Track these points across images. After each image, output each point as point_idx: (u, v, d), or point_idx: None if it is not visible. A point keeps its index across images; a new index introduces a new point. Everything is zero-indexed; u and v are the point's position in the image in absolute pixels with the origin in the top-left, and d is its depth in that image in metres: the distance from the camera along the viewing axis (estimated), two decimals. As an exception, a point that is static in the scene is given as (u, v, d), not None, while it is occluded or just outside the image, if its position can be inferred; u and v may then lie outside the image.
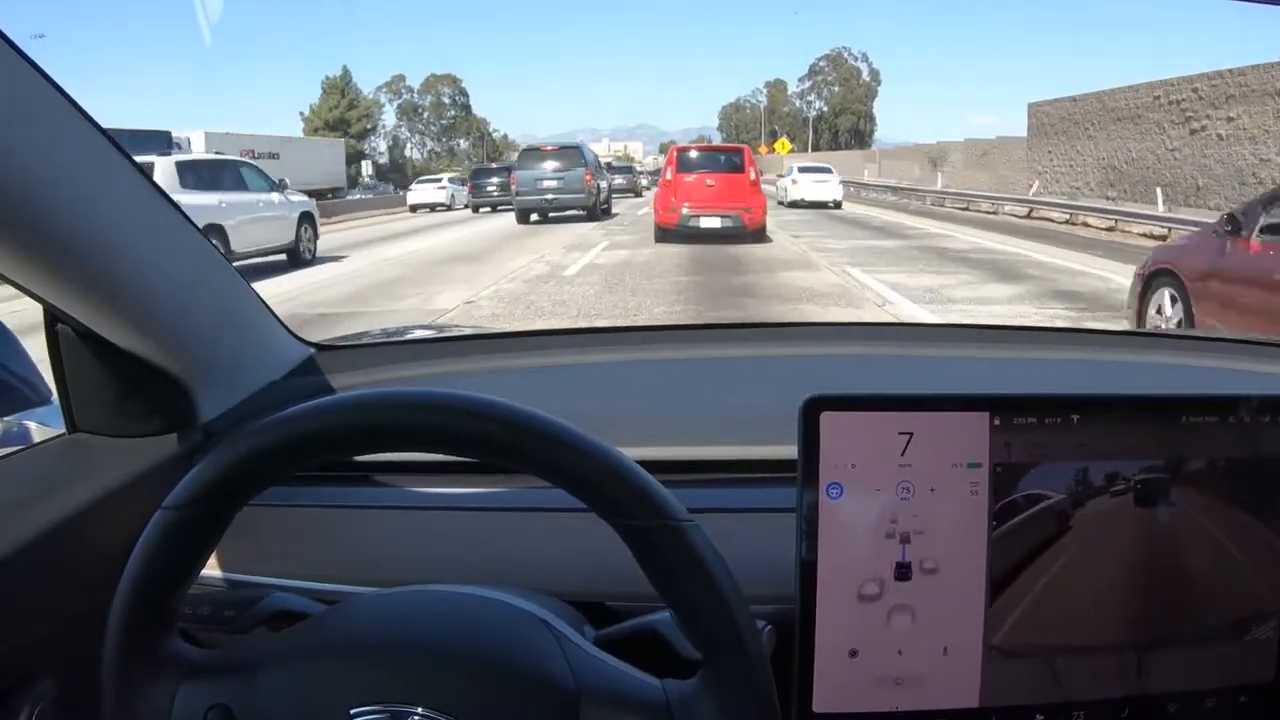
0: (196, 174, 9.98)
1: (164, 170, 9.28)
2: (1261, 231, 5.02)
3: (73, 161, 0.69)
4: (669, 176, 12.94)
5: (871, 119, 68.13)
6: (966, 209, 21.78)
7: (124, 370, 0.82)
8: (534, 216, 16.80)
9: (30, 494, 0.75)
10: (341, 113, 48.54)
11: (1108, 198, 20.58)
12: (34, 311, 0.80)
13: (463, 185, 23.86)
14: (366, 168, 43.68)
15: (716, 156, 13.69)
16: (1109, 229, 15.82)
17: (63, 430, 0.87)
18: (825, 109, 69.02)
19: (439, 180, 24.95)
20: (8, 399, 1.13)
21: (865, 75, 68.56)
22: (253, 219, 10.52)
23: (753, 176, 12.93)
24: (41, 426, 1.09)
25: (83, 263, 0.71)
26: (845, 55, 68.81)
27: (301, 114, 49.57)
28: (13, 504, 0.73)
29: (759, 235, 12.69)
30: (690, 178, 12.62)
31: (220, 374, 0.92)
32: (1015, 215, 19.48)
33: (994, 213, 20.36)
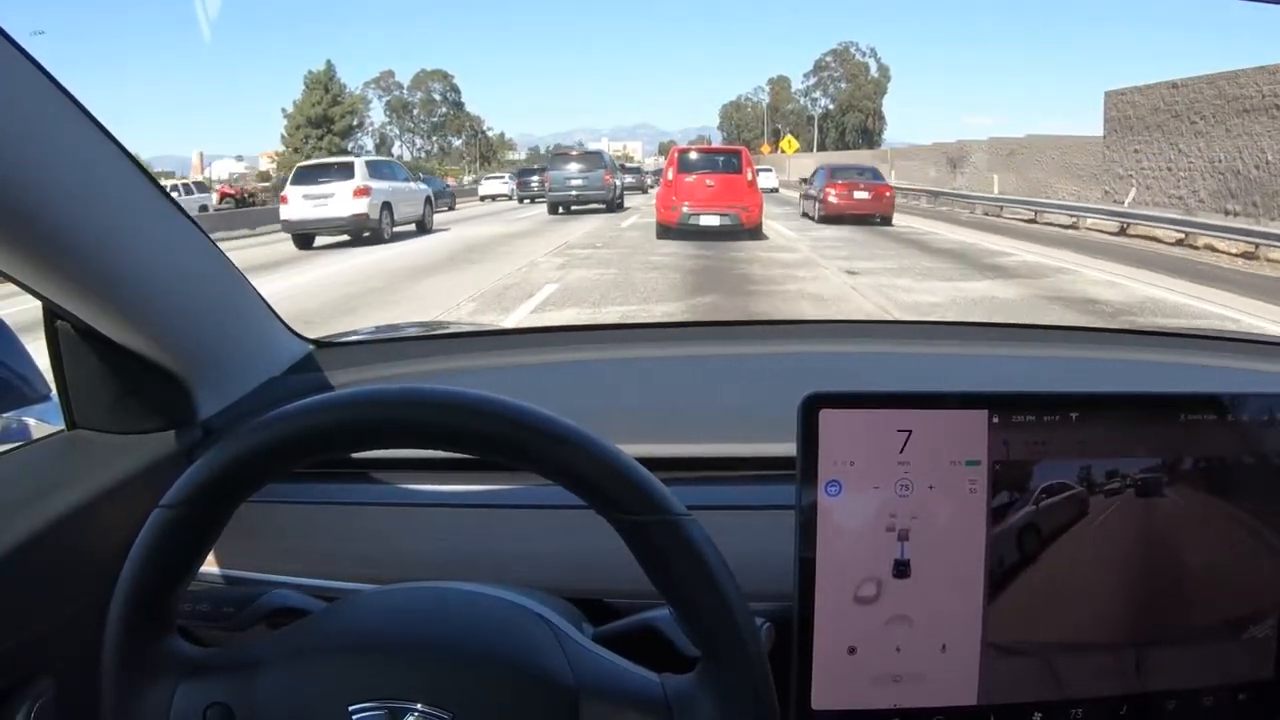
0: (375, 168, 14.10)
1: (360, 166, 13.57)
2: (809, 180, 18.10)
3: (72, 158, 0.69)
4: (670, 177, 13.45)
5: (881, 117, 64.67)
6: (1033, 220, 17.46)
7: (123, 367, 0.82)
8: (560, 209, 19.12)
9: (29, 491, 0.75)
10: (324, 109, 46.67)
11: (1226, 211, 15.96)
12: (33, 309, 0.80)
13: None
14: None
15: (715, 158, 14.20)
16: (1245, 255, 11.83)
17: (61, 427, 0.87)
18: (831, 106, 65.75)
19: (502, 177, 32.96)
20: (6, 395, 1.13)
21: (874, 71, 65.83)
22: (404, 199, 14.42)
23: (750, 177, 13.41)
24: (40, 423, 1.09)
25: (82, 259, 0.71)
26: (852, 50, 66.16)
27: (284, 110, 47.98)
28: (11, 501, 0.73)
29: (756, 232, 13.07)
30: (690, 178, 13.12)
31: (219, 371, 0.92)
32: (1104, 231, 15.38)
33: (1073, 226, 16.25)
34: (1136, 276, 10.13)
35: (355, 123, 49.76)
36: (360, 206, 12.72)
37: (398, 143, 57.93)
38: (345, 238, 13.12)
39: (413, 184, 15.59)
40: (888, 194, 16.56)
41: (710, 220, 12.64)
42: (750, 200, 13.07)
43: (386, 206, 13.35)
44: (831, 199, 16.10)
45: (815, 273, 9.83)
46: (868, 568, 0.65)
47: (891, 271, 10.09)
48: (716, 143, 61.42)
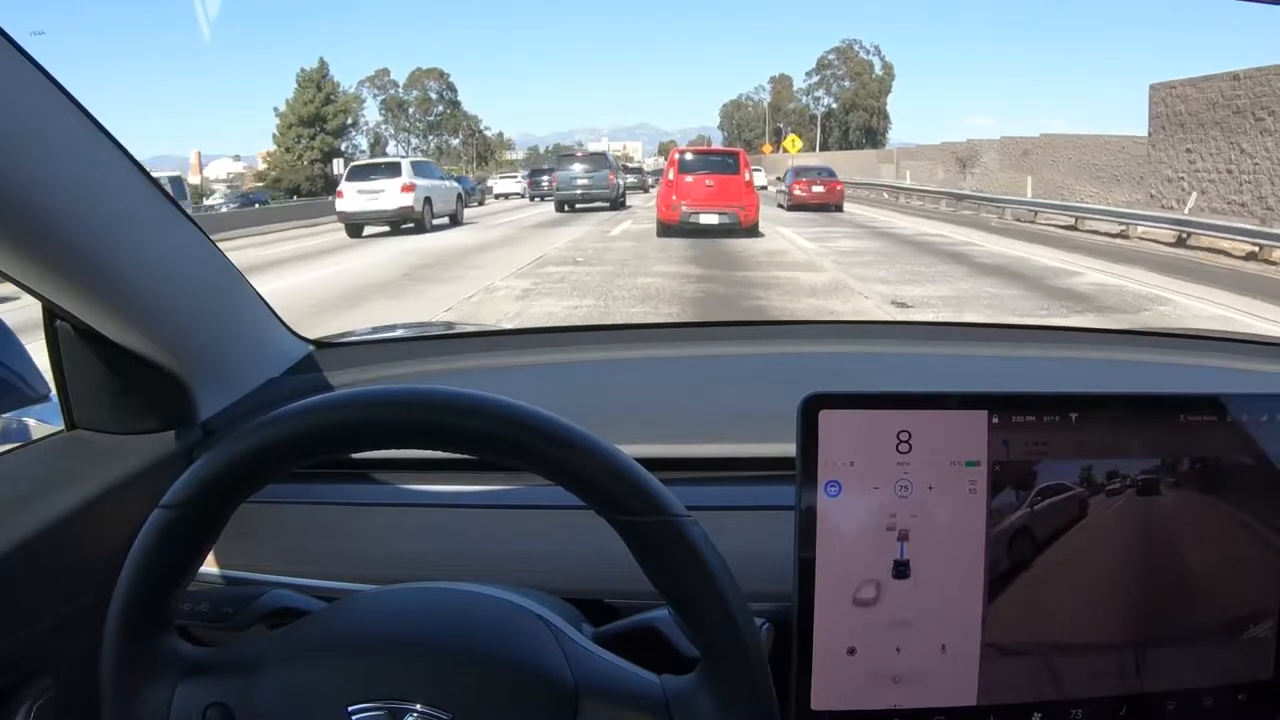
0: (418, 168, 16.41)
1: (406, 166, 15.95)
2: (782, 178, 23.82)
3: (72, 158, 0.69)
4: (671, 177, 14.11)
5: (885, 116, 61.39)
6: (1073, 227, 15.66)
7: (123, 367, 0.82)
8: (566, 207, 20.53)
9: (28, 491, 0.75)
10: (317, 108, 44.02)
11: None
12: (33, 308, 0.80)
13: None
14: (338, 166, 39.98)
15: (714, 159, 14.86)
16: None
17: (61, 427, 0.87)
18: (834, 106, 62.43)
19: (514, 176, 34.08)
20: (6, 396, 1.13)
21: (878, 69, 61.91)
22: (441, 195, 16.82)
23: (747, 178, 14.06)
24: (40, 423, 1.09)
25: (82, 259, 0.71)
26: (856, 48, 62.30)
27: (276, 109, 45.95)
28: (11, 501, 0.73)
29: (752, 231, 13.49)
30: (690, 178, 13.81)
31: (219, 371, 0.92)
32: (1158, 240, 13.57)
33: (1122, 235, 14.37)
34: (1242, 306, 8.25)
35: (349, 121, 48.17)
36: (407, 200, 15.19)
37: (392, 142, 55.96)
38: (382, 229, 15.62)
39: (448, 182, 18.46)
40: (839, 188, 21.80)
41: (710, 219, 13.18)
42: (748, 200, 13.63)
43: (428, 201, 15.85)
44: (796, 192, 21.30)
45: (853, 304, 8.05)
46: (867, 568, 0.65)
47: (950, 302, 8.29)
48: (717, 143, 61.87)
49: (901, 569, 0.65)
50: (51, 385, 0.89)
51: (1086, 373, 1.10)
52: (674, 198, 13.69)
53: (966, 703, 0.66)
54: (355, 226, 15.48)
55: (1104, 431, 0.66)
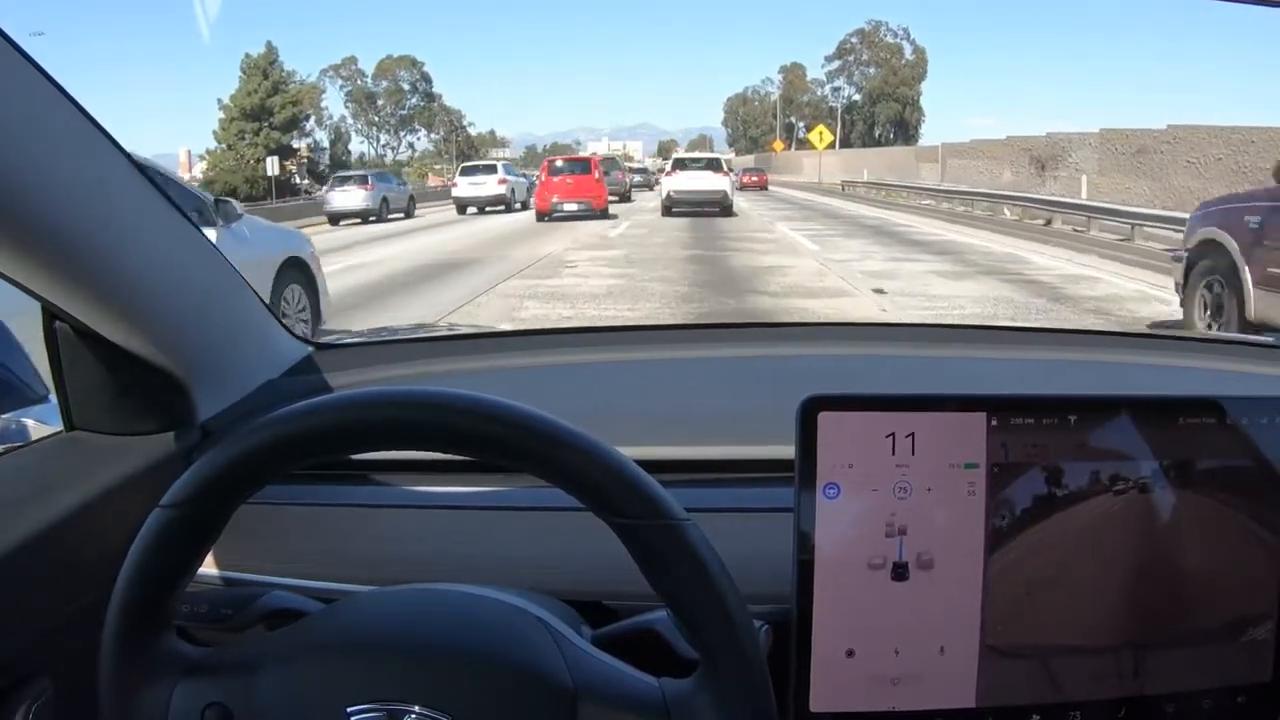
0: (506, 168, 23.79)
1: (500, 166, 23.80)
2: (738, 174, 31.00)
3: (71, 158, 0.69)
4: (543, 178, 19.50)
5: (918, 108, 52.05)
6: None
7: (122, 368, 0.82)
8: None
9: (27, 492, 0.75)
10: (262, 98, 37.24)
11: None
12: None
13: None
14: (272, 165, 32.98)
15: (574, 164, 20.36)
16: None
17: (60, 428, 0.87)
18: (858, 96, 53.34)
19: None
20: (5, 396, 1.13)
21: (909, 54, 52.47)
22: (519, 188, 22.84)
23: (597, 176, 19.25)
24: (39, 424, 1.09)
25: (81, 260, 0.71)
26: (882, 31, 52.73)
27: (220, 101, 37.76)
28: (10, 502, 0.73)
29: (603, 214, 17.95)
30: (557, 179, 19.08)
31: (218, 372, 0.92)
32: None
33: None
34: None
35: (306, 114, 41.37)
36: (502, 190, 22.18)
37: (356, 137, 48.49)
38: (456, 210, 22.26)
39: (521, 179, 24.79)
40: (765, 178, 33.76)
41: (571, 206, 17.88)
42: (599, 192, 18.63)
43: (514, 190, 22.56)
44: (743, 180, 30.34)
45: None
46: (866, 570, 0.65)
47: None
48: (719, 141, 63.27)
49: (900, 571, 0.65)
50: (51, 386, 0.89)
51: (1086, 375, 1.10)
52: (547, 193, 18.73)
53: (965, 705, 0.66)
54: (462, 207, 22.32)
55: (1103, 434, 0.66)
